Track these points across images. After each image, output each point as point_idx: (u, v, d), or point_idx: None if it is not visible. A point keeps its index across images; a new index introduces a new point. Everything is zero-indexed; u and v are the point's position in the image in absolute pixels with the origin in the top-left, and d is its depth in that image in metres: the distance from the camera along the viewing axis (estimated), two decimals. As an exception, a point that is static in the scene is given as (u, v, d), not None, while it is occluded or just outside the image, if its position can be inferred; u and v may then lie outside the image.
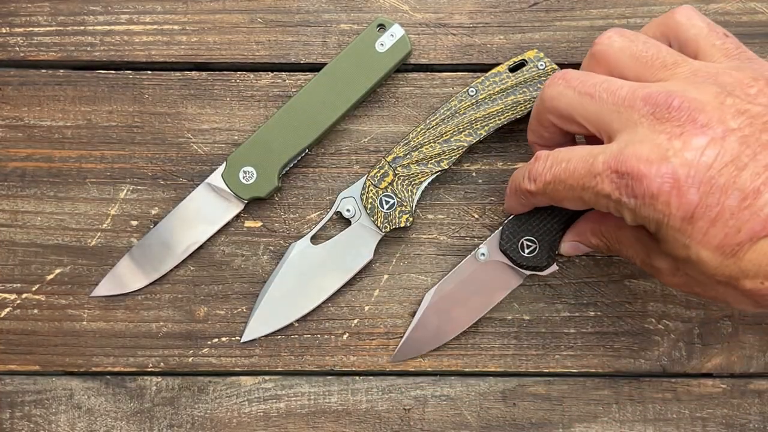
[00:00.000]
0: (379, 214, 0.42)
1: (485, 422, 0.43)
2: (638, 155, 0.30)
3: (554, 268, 0.41)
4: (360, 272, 0.43)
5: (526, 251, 0.41)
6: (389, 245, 0.44)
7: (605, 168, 0.31)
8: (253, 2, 0.45)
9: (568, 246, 0.41)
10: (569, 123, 0.35)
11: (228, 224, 0.44)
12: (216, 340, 0.43)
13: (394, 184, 0.42)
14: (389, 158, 0.42)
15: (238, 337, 0.43)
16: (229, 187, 0.42)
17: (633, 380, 0.43)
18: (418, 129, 0.42)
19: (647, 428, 0.43)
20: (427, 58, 0.44)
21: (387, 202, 0.42)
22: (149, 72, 0.44)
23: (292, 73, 0.44)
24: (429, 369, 0.43)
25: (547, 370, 0.43)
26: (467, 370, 0.43)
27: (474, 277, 0.42)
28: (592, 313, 0.44)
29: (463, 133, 0.42)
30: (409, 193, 0.42)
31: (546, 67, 0.41)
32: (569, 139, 0.38)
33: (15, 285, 0.43)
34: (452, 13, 0.45)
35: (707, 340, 0.43)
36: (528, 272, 0.42)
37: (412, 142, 0.42)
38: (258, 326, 0.43)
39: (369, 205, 0.42)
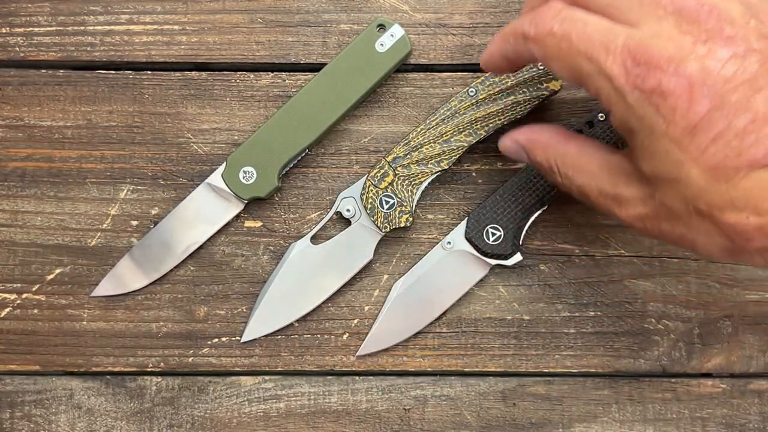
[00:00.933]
0: (379, 214, 0.42)
1: (485, 422, 0.43)
2: (662, 49, 0.29)
3: (518, 257, 0.42)
4: (360, 272, 0.43)
5: (491, 239, 0.41)
6: (389, 245, 0.44)
7: (624, 49, 0.29)
8: (253, 2, 0.45)
9: (511, 144, 0.38)
10: (583, 5, 0.32)
11: (228, 224, 0.44)
12: (216, 340, 0.43)
13: (394, 184, 0.42)
14: (389, 158, 0.42)
15: (238, 337, 0.43)
16: (229, 187, 0.42)
17: (633, 380, 0.43)
18: (418, 129, 0.42)
19: (647, 428, 0.43)
20: (427, 58, 0.44)
21: (387, 202, 0.42)
22: (149, 72, 0.44)
23: (292, 73, 0.44)
24: (429, 369, 0.43)
25: (547, 370, 0.43)
26: (467, 370, 0.43)
27: (440, 267, 0.42)
28: (592, 313, 0.44)
29: (463, 133, 0.42)
30: (409, 193, 0.42)
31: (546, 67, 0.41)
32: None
33: (15, 285, 0.43)
34: (452, 13, 0.45)
35: (707, 340, 0.43)
36: (493, 261, 0.42)
37: (412, 142, 0.42)
38: (258, 326, 0.43)
39: (369, 205, 0.42)
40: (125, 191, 0.44)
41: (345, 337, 0.43)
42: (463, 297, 0.43)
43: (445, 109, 0.42)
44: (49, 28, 0.44)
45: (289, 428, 0.43)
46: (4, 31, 0.44)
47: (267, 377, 0.43)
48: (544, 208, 0.42)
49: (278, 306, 0.43)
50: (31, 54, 0.44)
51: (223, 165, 0.43)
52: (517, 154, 0.38)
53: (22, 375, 0.43)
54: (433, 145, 0.42)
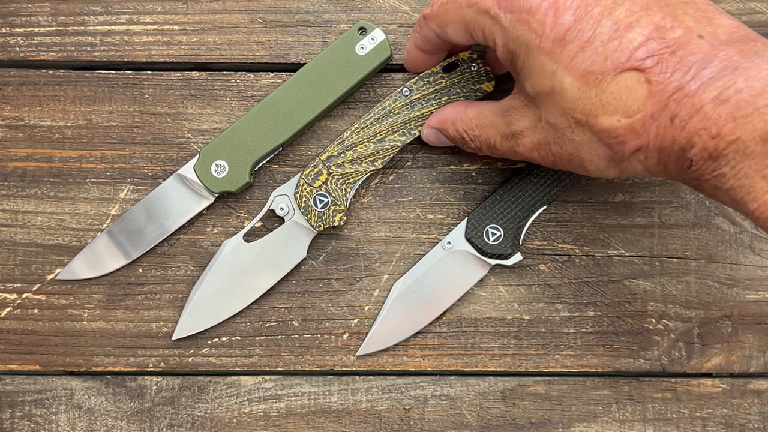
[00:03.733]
0: (313, 213, 0.42)
1: (485, 422, 0.43)
2: None
3: (518, 257, 0.42)
4: (360, 272, 0.43)
5: (491, 239, 0.41)
6: (389, 245, 0.44)
7: None
8: (253, 2, 0.45)
9: (428, 132, 0.41)
10: None
11: (228, 224, 0.44)
12: (216, 340, 0.43)
13: (328, 183, 0.42)
14: (323, 157, 0.42)
15: (238, 337, 0.43)
16: (200, 180, 0.42)
17: (633, 380, 0.43)
18: (353, 128, 0.42)
19: (647, 428, 0.43)
20: (427, 58, 0.44)
21: (321, 201, 0.42)
22: (149, 72, 0.44)
23: (292, 74, 0.44)
24: (429, 369, 0.43)
25: (546, 370, 0.43)
26: (467, 369, 0.43)
27: (440, 267, 0.42)
28: (592, 313, 0.44)
29: (397, 132, 0.42)
30: (343, 192, 0.42)
31: (479, 68, 0.41)
32: (446, 49, 0.41)
33: (15, 285, 0.43)
34: (452, 13, 0.45)
35: (707, 340, 0.43)
36: (493, 261, 0.42)
37: (346, 141, 0.42)
38: (189, 324, 0.42)
39: (303, 204, 0.42)
40: (125, 191, 0.44)
41: (345, 337, 0.43)
42: (463, 297, 0.43)
43: (379, 108, 0.42)
44: (49, 28, 0.44)
45: (289, 428, 0.43)
46: (4, 31, 0.44)
47: (267, 377, 0.43)
48: (544, 207, 0.42)
49: (210, 304, 0.42)
50: (31, 54, 0.44)
51: (196, 157, 0.42)
52: (438, 138, 0.41)
53: (22, 375, 0.43)
54: (367, 144, 0.42)
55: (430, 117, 0.41)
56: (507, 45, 0.33)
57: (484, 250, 0.42)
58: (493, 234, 0.42)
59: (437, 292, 0.43)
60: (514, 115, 0.36)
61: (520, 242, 0.42)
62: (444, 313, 0.43)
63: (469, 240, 0.42)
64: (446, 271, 0.42)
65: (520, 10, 0.32)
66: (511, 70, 0.36)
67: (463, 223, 0.42)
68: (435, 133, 0.41)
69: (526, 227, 0.42)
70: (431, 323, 0.43)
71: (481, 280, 0.43)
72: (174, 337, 0.42)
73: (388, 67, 0.44)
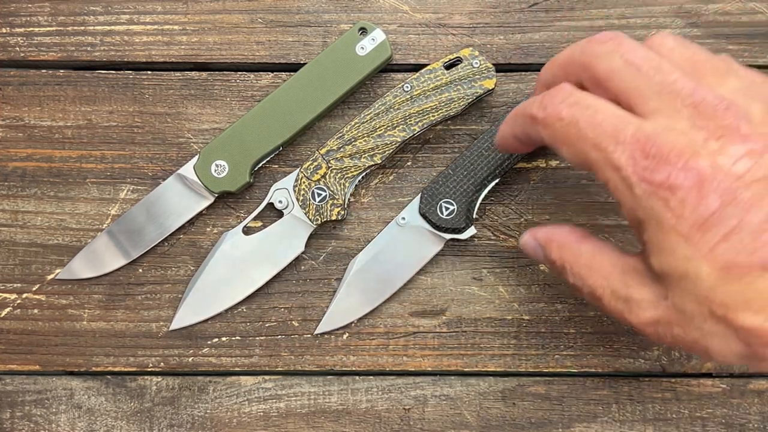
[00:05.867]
0: (311, 207, 0.42)
1: (485, 422, 0.43)
2: (673, 144, 0.28)
3: (472, 230, 0.42)
4: (360, 272, 0.43)
5: (445, 213, 0.41)
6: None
7: (633, 141, 0.29)
8: (253, 2, 0.45)
9: (528, 240, 0.37)
10: (598, 88, 0.32)
11: (228, 224, 0.44)
12: (216, 339, 0.43)
13: (327, 176, 0.42)
14: (322, 151, 0.42)
15: (238, 337, 0.43)
16: (200, 179, 0.42)
17: (633, 380, 0.43)
18: (353, 123, 0.42)
19: (647, 428, 0.43)
20: (427, 59, 0.44)
21: (319, 195, 0.42)
22: (149, 72, 0.44)
23: (292, 74, 0.44)
24: (429, 369, 0.43)
25: (546, 370, 0.43)
26: (467, 370, 0.43)
27: (395, 243, 0.42)
28: (592, 313, 0.44)
29: (397, 128, 0.42)
30: (341, 187, 0.42)
31: (480, 65, 0.42)
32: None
33: (15, 285, 0.43)
34: (452, 13, 0.45)
35: (707, 340, 0.43)
36: (447, 236, 0.42)
37: (346, 136, 0.42)
38: (187, 315, 0.42)
39: (301, 197, 0.42)
40: (125, 191, 0.44)
41: (345, 337, 0.43)
42: (463, 297, 0.43)
43: (380, 103, 0.42)
44: (49, 28, 0.44)
45: (289, 428, 0.43)
46: (4, 31, 0.44)
47: (267, 377, 0.43)
48: (497, 181, 0.42)
49: (208, 296, 0.42)
50: (31, 54, 0.44)
51: (196, 157, 0.42)
52: (534, 251, 0.37)
53: (22, 375, 0.43)
54: (366, 139, 0.42)
55: (538, 227, 0.37)
56: (635, 211, 0.29)
57: (438, 225, 0.42)
58: (447, 209, 0.42)
59: (393, 269, 0.43)
60: (636, 279, 0.31)
61: (474, 216, 0.42)
62: (444, 312, 0.43)
63: (423, 215, 0.42)
64: (402, 247, 0.42)
65: (659, 185, 0.28)
66: (634, 230, 0.31)
67: (417, 198, 0.42)
68: (534, 246, 0.36)
69: (479, 201, 0.42)
70: (427, 322, 0.43)
71: (478, 278, 0.43)
72: (171, 328, 0.43)
73: (388, 67, 0.44)
